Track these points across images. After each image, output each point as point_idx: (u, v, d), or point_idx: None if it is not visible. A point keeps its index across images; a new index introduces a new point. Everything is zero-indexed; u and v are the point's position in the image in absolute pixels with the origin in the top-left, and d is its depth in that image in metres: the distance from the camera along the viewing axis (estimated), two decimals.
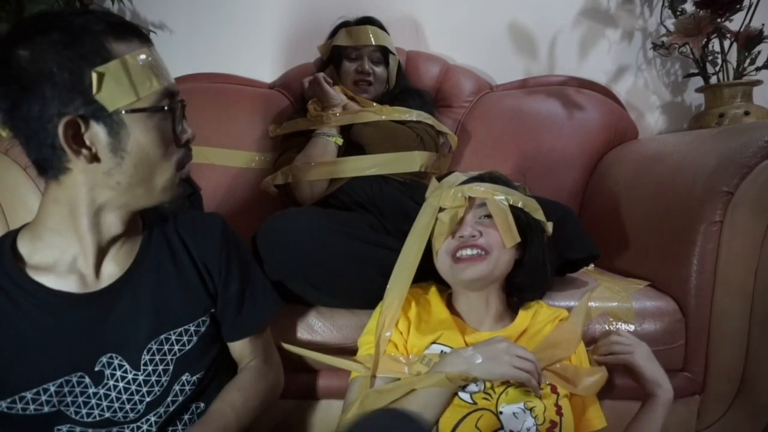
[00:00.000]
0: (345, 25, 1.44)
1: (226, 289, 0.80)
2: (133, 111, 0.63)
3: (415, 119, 1.33)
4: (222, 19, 1.70)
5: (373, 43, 1.39)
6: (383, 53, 1.42)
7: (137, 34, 0.65)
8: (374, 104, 1.35)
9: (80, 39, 0.60)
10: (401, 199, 1.19)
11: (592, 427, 0.81)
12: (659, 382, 0.81)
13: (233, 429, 0.74)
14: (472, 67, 1.70)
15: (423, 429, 0.54)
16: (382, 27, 1.44)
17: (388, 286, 0.87)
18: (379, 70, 1.41)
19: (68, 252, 0.69)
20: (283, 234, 0.94)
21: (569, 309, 0.93)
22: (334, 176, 1.25)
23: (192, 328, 0.76)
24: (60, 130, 0.60)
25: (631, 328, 0.95)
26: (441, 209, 0.86)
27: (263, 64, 1.70)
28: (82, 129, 0.61)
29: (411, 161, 1.26)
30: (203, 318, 0.77)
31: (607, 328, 0.95)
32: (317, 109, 1.32)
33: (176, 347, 0.74)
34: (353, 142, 1.30)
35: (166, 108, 0.66)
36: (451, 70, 1.64)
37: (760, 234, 0.94)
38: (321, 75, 1.35)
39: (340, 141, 1.28)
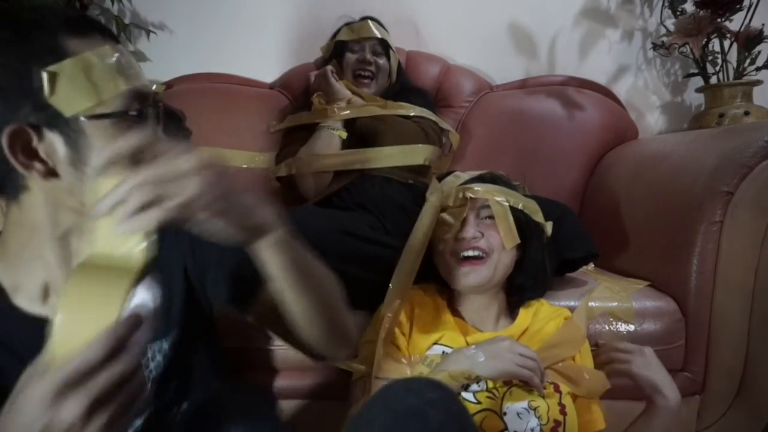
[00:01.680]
0: (347, 24, 1.46)
1: (199, 250, 0.70)
2: (95, 117, 0.53)
3: (418, 114, 1.34)
4: (222, 19, 1.70)
5: (375, 35, 1.41)
6: (384, 47, 1.44)
7: (100, 29, 0.57)
8: (378, 99, 1.36)
9: (29, 36, 0.52)
10: (403, 201, 1.19)
11: (595, 427, 0.81)
12: (657, 388, 0.79)
13: (316, 263, 0.63)
14: (472, 67, 1.69)
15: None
16: (382, 26, 1.47)
17: (389, 287, 0.87)
18: (381, 61, 1.42)
19: (36, 279, 0.59)
20: None
21: (569, 308, 0.93)
22: (337, 168, 1.25)
23: None
24: (3, 141, 0.51)
25: (631, 328, 0.95)
26: (442, 209, 0.86)
27: (263, 64, 1.70)
28: (34, 139, 0.52)
29: (415, 154, 1.27)
30: None
31: (607, 328, 0.95)
32: (322, 102, 1.32)
33: None
34: (357, 137, 1.30)
35: (135, 113, 0.56)
36: (451, 70, 1.64)
37: (760, 234, 0.94)
38: (329, 68, 1.36)
39: (344, 134, 1.28)
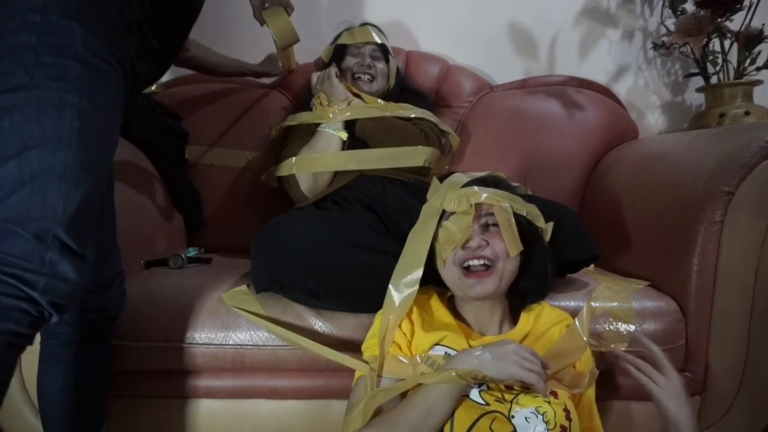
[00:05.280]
0: (347, 29, 1.48)
1: None
2: None
3: (419, 116, 1.35)
4: (222, 19, 1.70)
5: (375, 40, 1.43)
6: (383, 52, 1.45)
7: None
8: (378, 101, 1.36)
9: None
10: (405, 199, 1.19)
11: None
12: (678, 426, 0.74)
13: None
14: (472, 67, 1.70)
15: None
16: (382, 32, 1.49)
17: (389, 287, 0.85)
18: (380, 65, 1.43)
19: None
20: (281, 243, 0.94)
21: (570, 309, 0.93)
22: (337, 169, 1.25)
23: None
24: None
25: (632, 328, 0.95)
26: (444, 213, 0.85)
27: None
28: None
29: (415, 156, 1.27)
30: None
31: (607, 328, 0.95)
32: (323, 103, 1.33)
33: None
34: (357, 138, 1.30)
35: None
36: (451, 70, 1.64)
37: (760, 234, 0.94)
38: (333, 70, 1.37)
39: (344, 135, 1.28)
